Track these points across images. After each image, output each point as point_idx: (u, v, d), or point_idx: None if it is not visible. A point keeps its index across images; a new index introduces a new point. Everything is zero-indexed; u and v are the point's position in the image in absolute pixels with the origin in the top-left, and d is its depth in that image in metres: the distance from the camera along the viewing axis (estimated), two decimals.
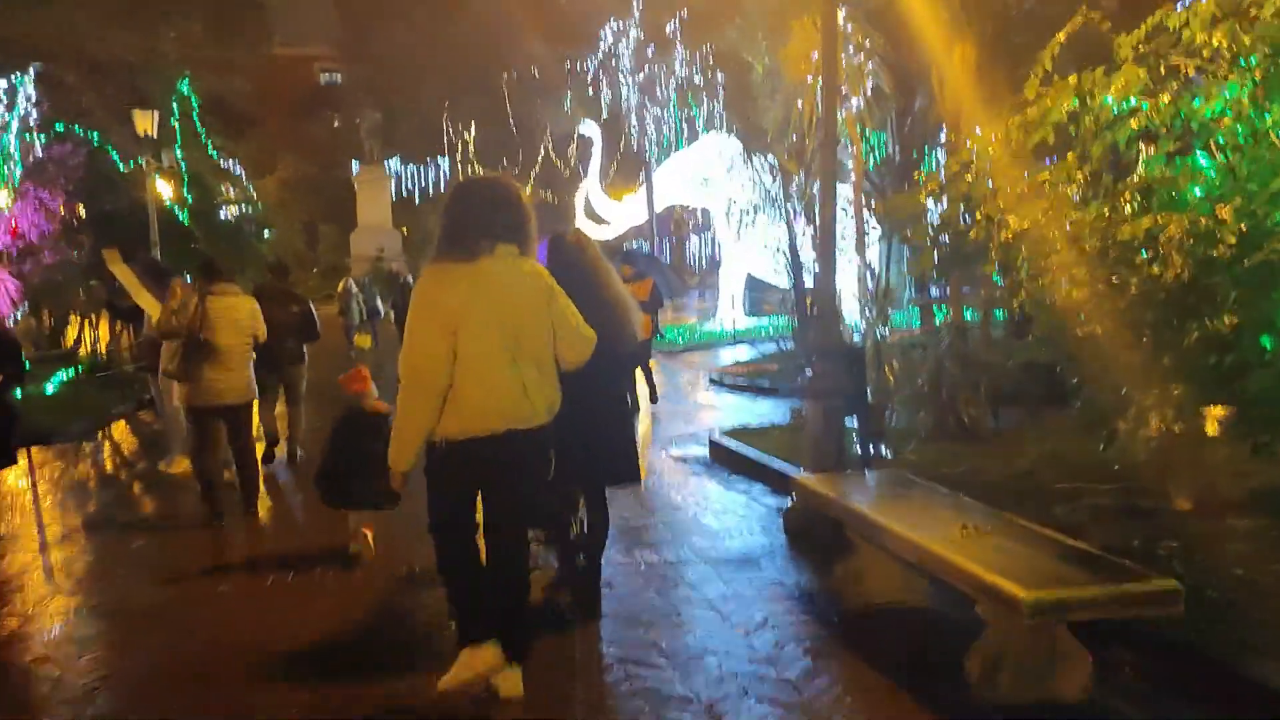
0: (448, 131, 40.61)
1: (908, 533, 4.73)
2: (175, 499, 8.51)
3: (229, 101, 32.40)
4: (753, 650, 4.62)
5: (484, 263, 3.77)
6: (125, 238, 16.31)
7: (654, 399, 13.12)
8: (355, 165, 41.25)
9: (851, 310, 8.75)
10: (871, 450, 7.21)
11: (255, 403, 7.80)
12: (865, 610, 5.21)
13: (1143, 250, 4.59)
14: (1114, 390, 5.20)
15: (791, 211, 17.79)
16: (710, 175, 22.19)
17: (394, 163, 42.03)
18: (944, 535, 4.55)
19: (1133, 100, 4.81)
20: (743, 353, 19.53)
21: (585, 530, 5.14)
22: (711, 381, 15.65)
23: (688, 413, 12.87)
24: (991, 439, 8.11)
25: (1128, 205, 4.81)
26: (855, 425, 7.27)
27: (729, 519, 7.19)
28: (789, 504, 6.75)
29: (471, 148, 39.20)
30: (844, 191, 9.88)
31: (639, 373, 12.19)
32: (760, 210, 22.19)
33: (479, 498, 3.99)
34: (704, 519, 7.23)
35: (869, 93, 9.00)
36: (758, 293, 23.68)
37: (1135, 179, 4.93)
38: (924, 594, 5.19)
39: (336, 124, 43.90)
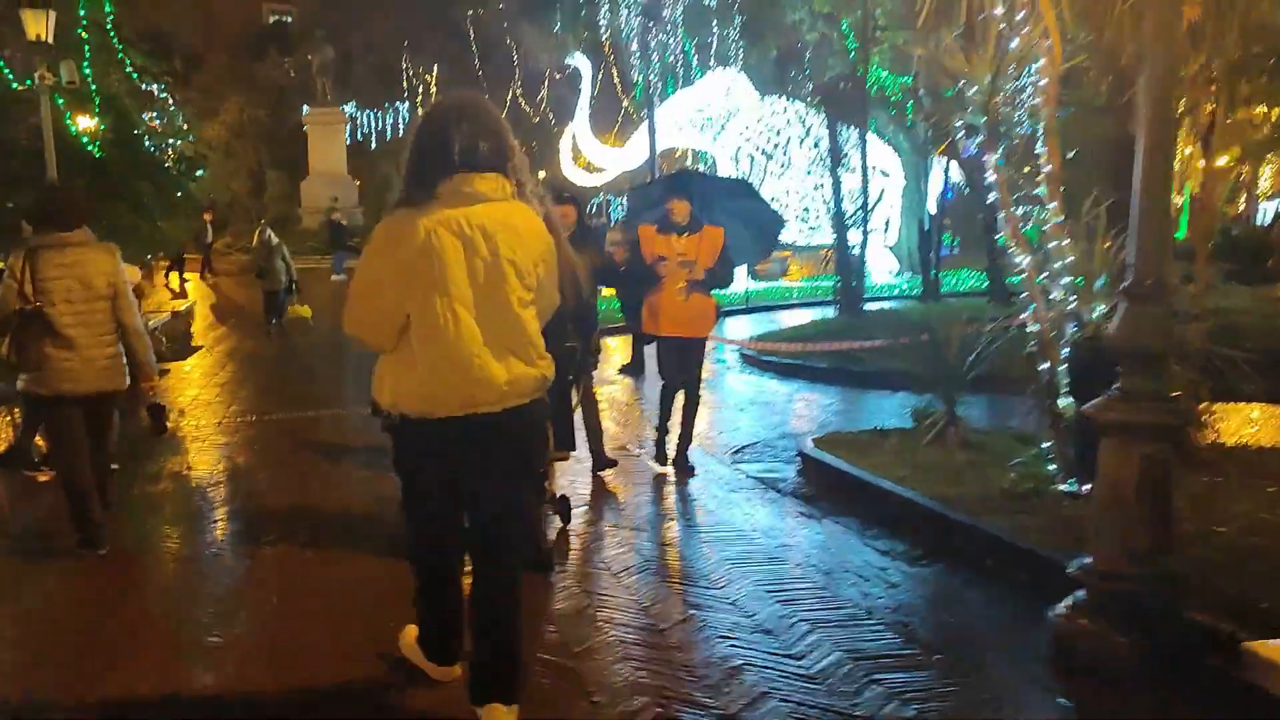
0: (407, 73, 37.61)
1: None
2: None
3: (169, 36, 28.87)
4: None
5: (460, 203, 3.02)
6: (17, 174, 13.02)
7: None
8: (306, 109, 37.47)
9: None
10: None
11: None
12: None
13: None
14: None
15: (835, 157, 15.23)
16: (716, 116, 19.23)
17: (349, 108, 38.51)
18: None
19: None
20: (746, 324, 16.66)
21: None
22: (744, 359, 12.73)
23: (727, 403, 9.91)
24: None
25: None
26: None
27: (915, 619, 4.30)
28: (1058, 611, 3.88)
29: (433, 90, 36.37)
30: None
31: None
32: (774, 158, 19.36)
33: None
34: (863, 619, 4.30)
35: None
36: None
37: None
38: None
39: (287, 66, 40.18)
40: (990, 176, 5.90)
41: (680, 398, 7.13)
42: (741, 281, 19.90)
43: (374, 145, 38.90)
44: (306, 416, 9.33)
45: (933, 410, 7.11)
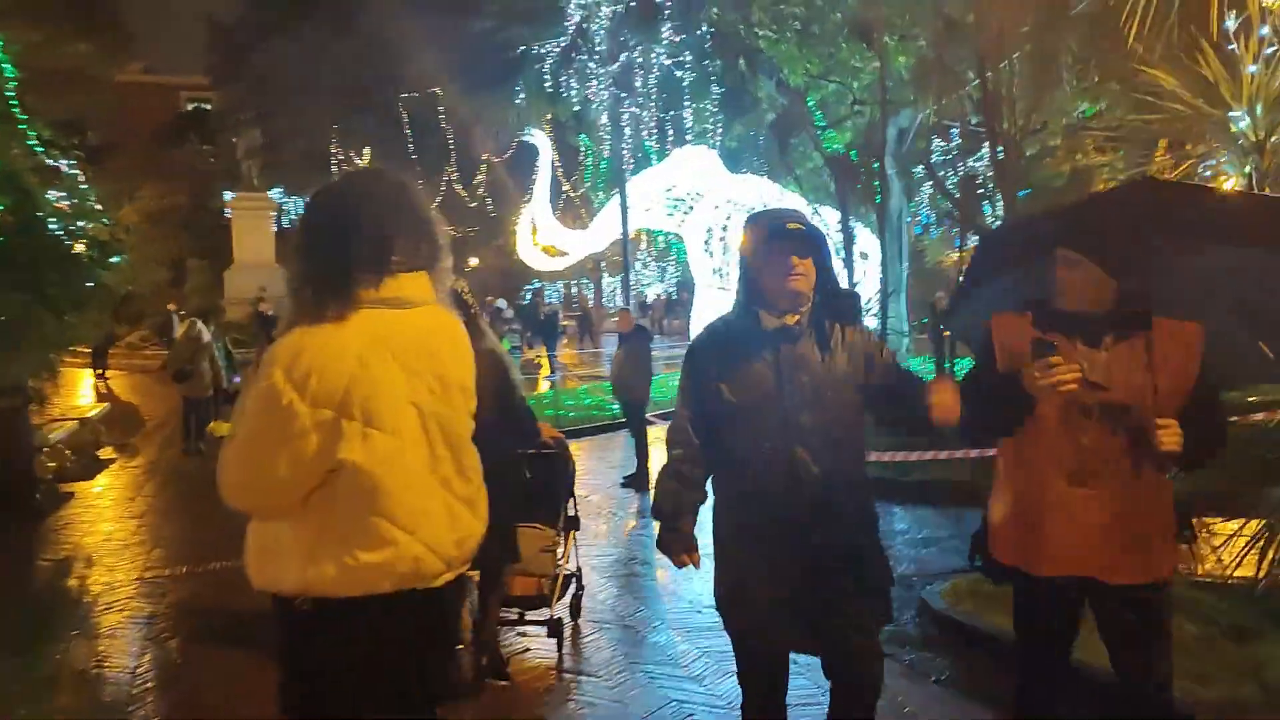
0: (337, 156, 35.98)
1: None
2: None
3: (82, 123, 26.70)
4: None
5: (383, 309, 2.40)
6: None
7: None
8: (230, 195, 35.37)
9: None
10: None
11: None
12: None
13: None
14: None
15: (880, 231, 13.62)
16: (685, 196, 17.69)
17: (276, 194, 36.53)
18: None
19: None
20: None
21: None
22: None
23: None
24: None
25: None
26: None
27: None
28: None
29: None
30: None
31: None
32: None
33: None
34: None
35: None
36: None
37: None
38: None
39: (207, 151, 38.30)
40: None
41: None
42: None
43: None
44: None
45: None
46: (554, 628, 5.21)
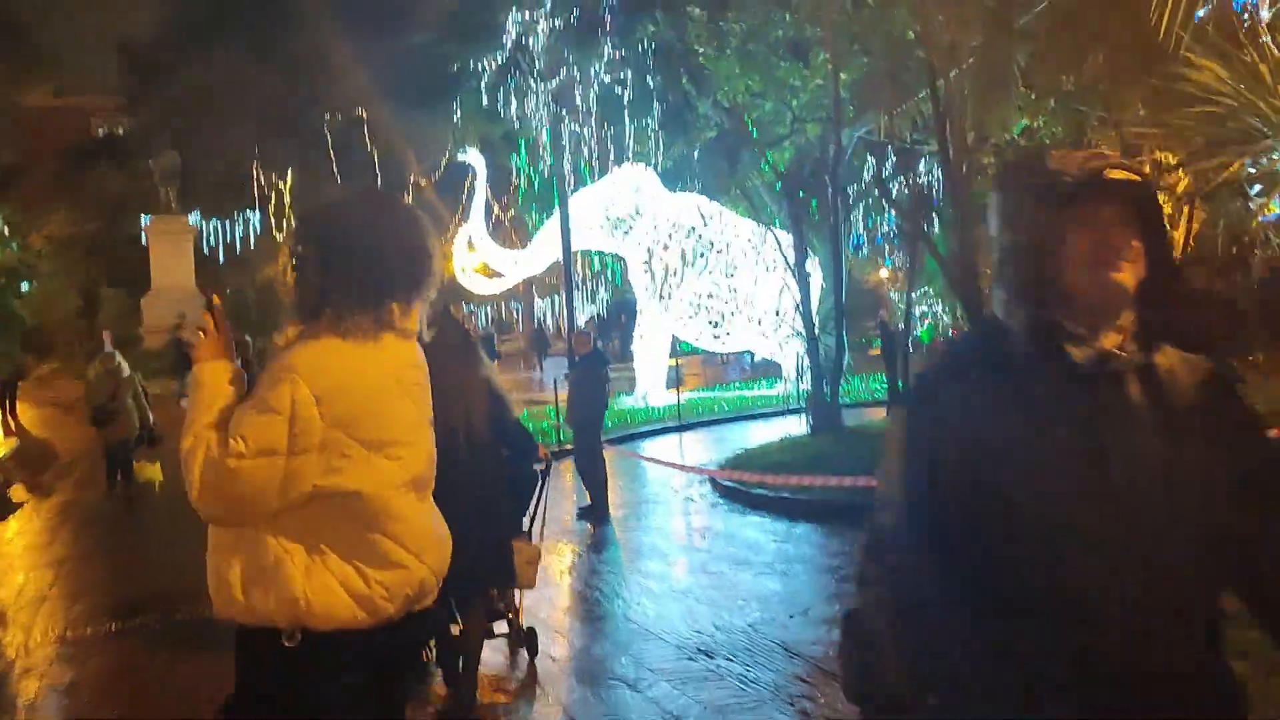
0: (258, 179, 35.01)
1: None
2: None
3: None
4: None
5: (398, 337, 2.41)
6: None
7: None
8: (147, 220, 34.01)
9: None
10: None
11: None
12: None
13: None
14: None
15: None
16: (624, 216, 17.31)
17: (195, 217, 35.30)
18: None
19: None
20: (697, 444, 14.51)
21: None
22: (720, 491, 10.48)
23: (753, 563, 7.55)
24: None
25: None
26: None
27: None
28: None
29: (287, 198, 33.93)
30: None
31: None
32: (694, 260, 17.50)
33: None
34: None
35: None
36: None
37: None
38: None
39: (121, 174, 36.90)
40: None
41: None
42: (662, 395, 17.90)
43: (222, 258, 35.61)
44: (188, 623, 6.22)
45: None
46: (528, 637, 5.43)
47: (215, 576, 2.28)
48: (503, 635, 5.44)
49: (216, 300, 2.44)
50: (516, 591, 5.36)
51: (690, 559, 7.97)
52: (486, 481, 4.49)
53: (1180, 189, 10.31)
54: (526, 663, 5.42)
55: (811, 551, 7.95)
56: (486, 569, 4.57)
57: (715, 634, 5.73)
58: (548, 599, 6.68)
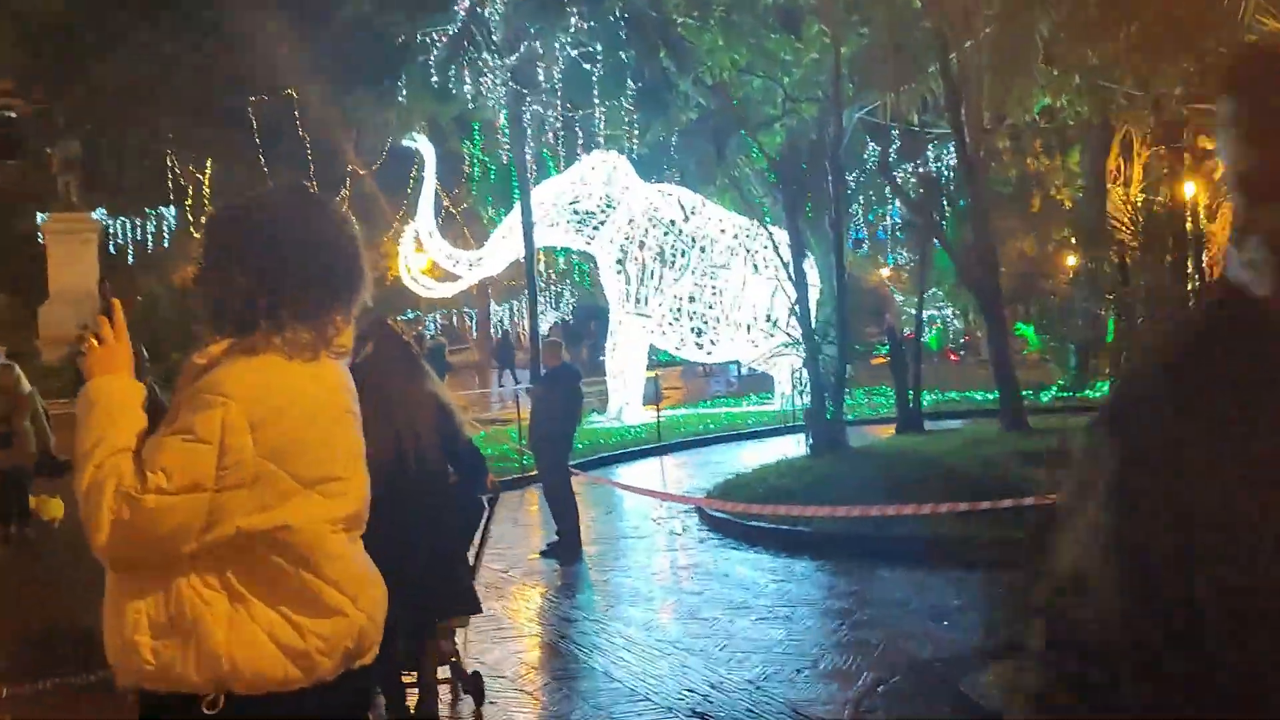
0: (174, 171, 34.88)
1: None
2: None
3: None
4: None
5: (332, 356, 2.43)
6: None
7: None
8: (43, 217, 33.80)
9: None
10: None
11: None
12: None
13: None
14: None
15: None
16: (594, 209, 17.22)
17: (101, 214, 35.16)
18: None
19: None
20: (680, 468, 14.39)
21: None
22: (709, 523, 10.35)
23: (752, 608, 7.38)
24: None
25: None
26: None
27: None
28: None
29: (206, 190, 33.90)
30: None
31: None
32: (674, 259, 17.43)
33: None
34: None
35: None
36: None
37: None
38: None
39: (13, 166, 36.79)
40: None
41: None
42: (639, 412, 17.80)
43: (131, 258, 35.44)
44: (90, 681, 6.02)
45: None
46: (474, 683, 5.46)
47: (117, 636, 2.19)
48: (445, 681, 5.39)
49: (116, 303, 2.35)
50: (459, 630, 5.42)
51: (678, 603, 7.83)
52: (435, 505, 4.69)
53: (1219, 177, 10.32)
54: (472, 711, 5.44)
55: (817, 592, 7.84)
56: (439, 597, 4.78)
57: (711, 693, 5.63)
58: (512, 654, 6.54)
